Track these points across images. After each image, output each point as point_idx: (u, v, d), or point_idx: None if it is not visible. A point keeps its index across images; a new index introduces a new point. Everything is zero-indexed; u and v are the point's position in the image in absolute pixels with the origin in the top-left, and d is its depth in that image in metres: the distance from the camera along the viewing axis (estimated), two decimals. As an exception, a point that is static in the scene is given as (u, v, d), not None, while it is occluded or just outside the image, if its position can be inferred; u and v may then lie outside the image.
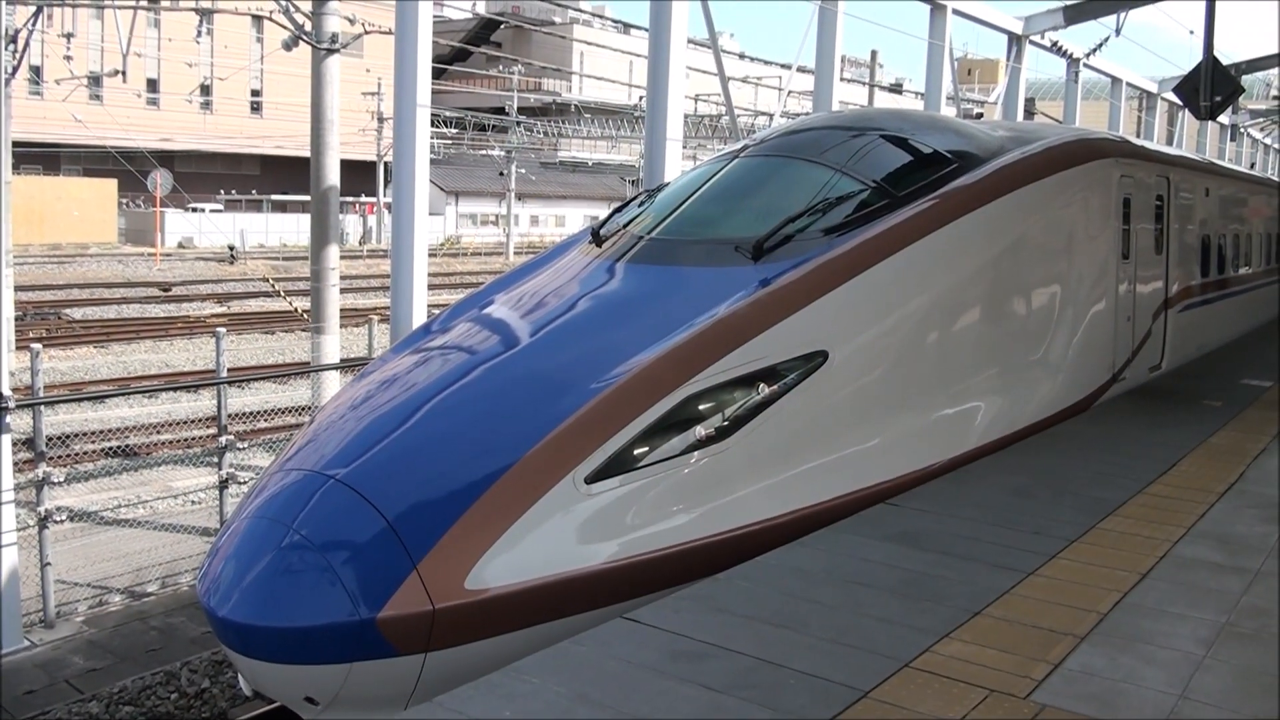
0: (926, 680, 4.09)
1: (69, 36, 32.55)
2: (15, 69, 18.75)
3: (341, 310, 15.74)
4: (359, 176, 57.99)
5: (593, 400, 5.62)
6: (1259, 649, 4.49)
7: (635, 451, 5.52)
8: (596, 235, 7.86)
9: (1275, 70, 36.98)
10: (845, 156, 7.74)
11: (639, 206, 8.26)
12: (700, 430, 5.72)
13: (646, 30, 13.06)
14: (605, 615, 4.98)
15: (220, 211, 60.29)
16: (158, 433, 16.66)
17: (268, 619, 4.82)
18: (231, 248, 48.98)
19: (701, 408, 5.79)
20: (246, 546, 5.14)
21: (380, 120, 57.83)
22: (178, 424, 17.05)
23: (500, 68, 66.01)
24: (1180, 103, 13.90)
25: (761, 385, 5.98)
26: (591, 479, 5.35)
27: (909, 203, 7.31)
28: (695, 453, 5.67)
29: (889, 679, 4.09)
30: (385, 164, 58.15)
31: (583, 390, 5.71)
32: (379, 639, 4.75)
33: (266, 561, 4.99)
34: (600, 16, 76.84)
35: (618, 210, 8.43)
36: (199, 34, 30.51)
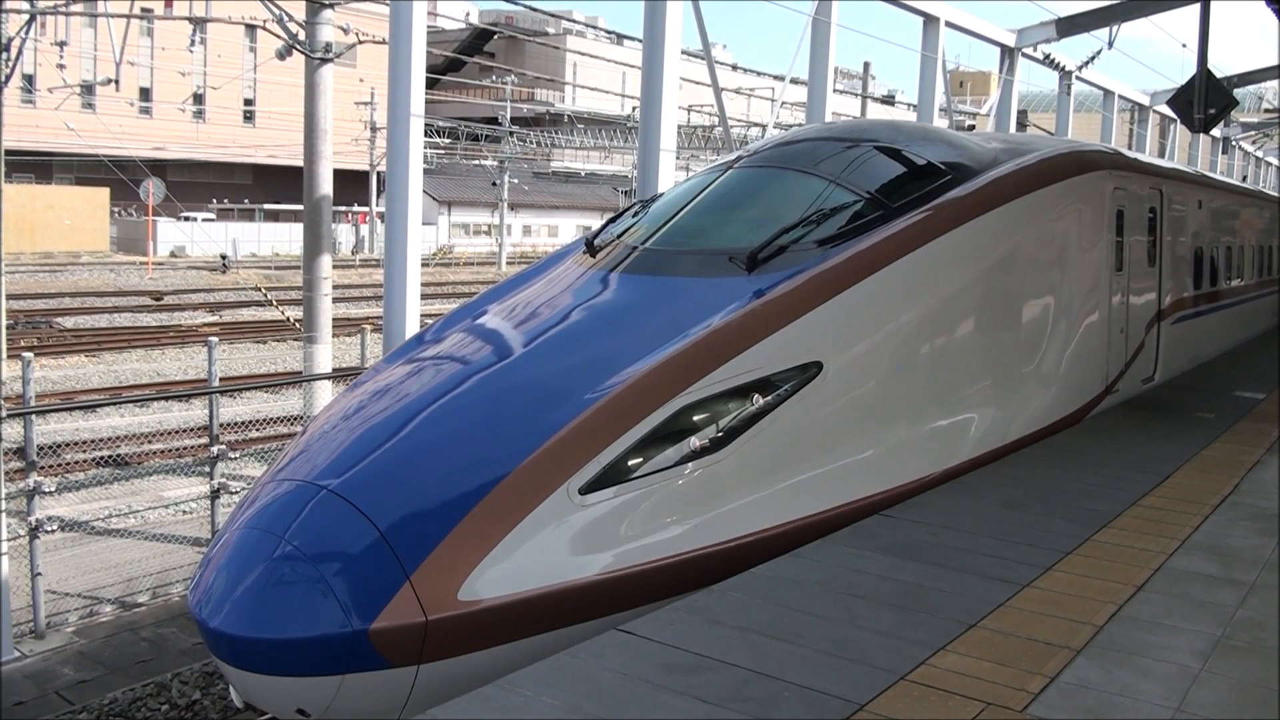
0: (922, 693, 4.08)
1: (62, 45, 32.56)
2: (8, 77, 18.72)
3: (334, 320, 15.72)
4: (352, 186, 58.07)
5: (587, 411, 5.59)
6: (1255, 662, 4.48)
7: (629, 462, 5.50)
8: (591, 245, 7.85)
9: (1266, 84, 37.15)
10: (839, 168, 7.75)
11: (633, 217, 8.24)
12: (694, 441, 5.70)
13: (640, 41, 13.06)
14: (599, 627, 4.96)
15: (212, 220, 60.31)
16: (149, 442, 16.59)
17: (259, 630, 4.79)
18: (224, 257, 48.99)
19: (696, 418, 5.78)
20: (238, 557, 5.11)
21: (373, 130, 57.92)
22: (169, 433, 16.97)
23: (493, 78, 66.14)
24: (1173, 115, 13.94)
25: (756, 396, 5.96)
26: (585, 490, 5.33)
27: (903, 214, 7.30)
28: (689, 464, 5.65)
29: (885, 692, 4.07)
30: (378, 173, 58.23)
31: (577, 401, 5.69)
32: (371, 651, 4.72)
33: (258, 572, 4.96)
34: (594, 27, 76.85)
35: (612, 220, 8.41)
36: (192, 43, 30.44)
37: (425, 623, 4.76)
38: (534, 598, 5.05)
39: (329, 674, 4.75)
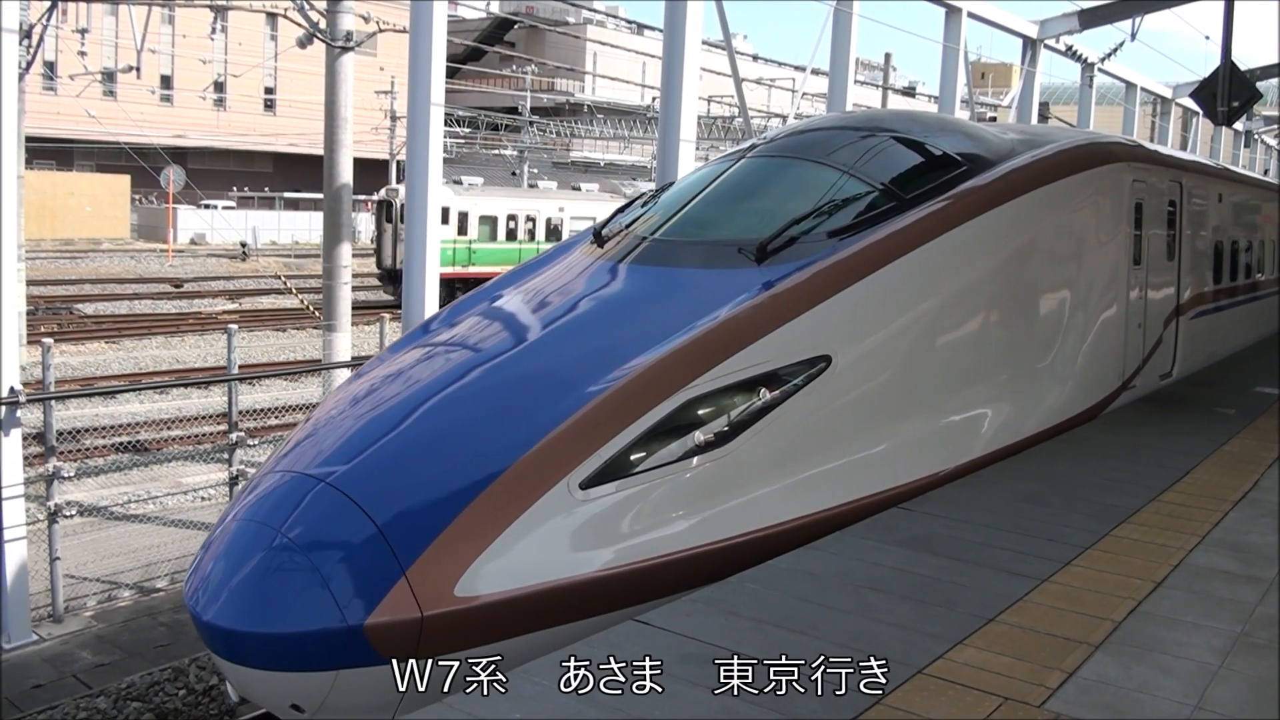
0: (940, 687, 4.06)
1: (83, 32, 32.76)
2: (29, 64, 18.80)
3: (353, 307, 15.76)
4: (372, 175, 58.05)
5: (590, 403, 5.50)
6: (1274, 659, 4.44)
7: (632, 456, 5.40)
8: (599, 235, 7.75)
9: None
10: (852, 158, 7.63)
11: (643, 206, 8.14)
12: (700, 435, 5.61)
13: (660, 31, 13.03)
14: (600, 624, 4.89)
15: (233, 208, 60.42)
16: (168, 428, 16.69)
17: (253, 624, 4.73)
18: (244, 244, 49.14)
19: (701, 412, 5.68)
20: (233, 549, 5.04)
21: (393, 119, 57.90)
22: (188, 420, 17.06)
23: (514, 67, 66.05)
24: (1195, 108, 13.84)
25: (763, 390, 5.86)
26: (587, 484, 5.24)
27: (916, 205, 7.19)
28: (694, 458, 5.55)
29: (902, 685, 4.05)
30: (398, 162, 58.22)
31: (580, 393, 5.60)
32: (366, 646, 4.64)
33: (253, 565, 4.89)
34: (614, 17, 76.78)
35: (621, 210, 8.32)
36: (213, 31, 30.64)
37: (421, 618, 4.69)
38: (532, 594, 4.97)
39: (323, 669, 4.68)
